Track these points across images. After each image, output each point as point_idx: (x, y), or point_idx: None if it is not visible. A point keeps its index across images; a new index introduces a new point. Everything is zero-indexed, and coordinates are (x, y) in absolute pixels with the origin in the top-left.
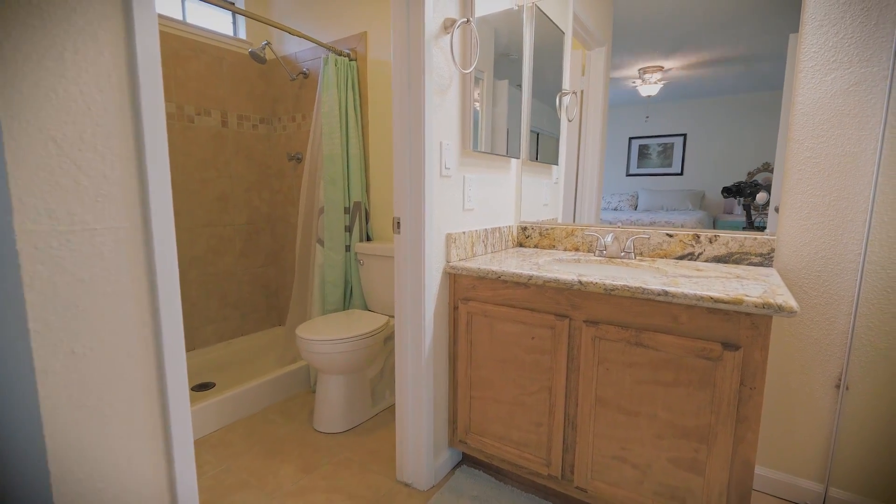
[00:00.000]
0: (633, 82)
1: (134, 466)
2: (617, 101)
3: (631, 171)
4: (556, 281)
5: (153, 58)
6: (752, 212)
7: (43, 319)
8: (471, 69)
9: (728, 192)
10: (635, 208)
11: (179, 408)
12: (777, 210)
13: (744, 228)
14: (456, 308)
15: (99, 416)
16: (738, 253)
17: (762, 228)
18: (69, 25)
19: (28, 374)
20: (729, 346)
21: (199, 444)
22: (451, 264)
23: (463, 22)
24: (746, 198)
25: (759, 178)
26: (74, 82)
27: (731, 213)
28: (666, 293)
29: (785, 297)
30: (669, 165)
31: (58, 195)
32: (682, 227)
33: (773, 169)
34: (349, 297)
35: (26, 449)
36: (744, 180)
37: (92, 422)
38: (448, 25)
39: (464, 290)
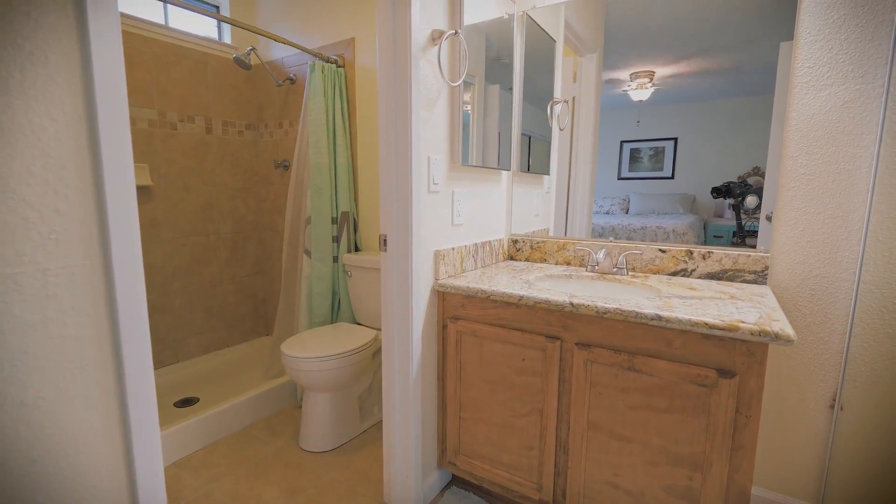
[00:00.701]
0: (625, 87)
1: None
2: (608, 106)
3: (622, 175)
4: (548, 302)
5: (115, 80)
6: (742, 215)
7: None
8: (459, 82)
9: (718, 192)
10: (627, 212)
11: (149, 459)
12: (769, 218)
13: (734, 233)
14: (445, 327)
15: (55, 473)
16: (732, 270)
17: (753, 233)
18: (15, 50)
19: None
20: (724, 373)
21: (180, 465)
22: (439, 282)
23: (451, 34)
24: (736, 198)
25: (749, 181)
26: (22, 112)
27: (721, 216)
28: (660, 318)
29: (782, 325)
30: (661, 169)
31: (3, 234)
32: (674, 231)
33: (763, 173)
34: (337, 310)
35: None
36: (734, 181)
37: (46, 479)
38: (436, 37)
39: (453, 308)
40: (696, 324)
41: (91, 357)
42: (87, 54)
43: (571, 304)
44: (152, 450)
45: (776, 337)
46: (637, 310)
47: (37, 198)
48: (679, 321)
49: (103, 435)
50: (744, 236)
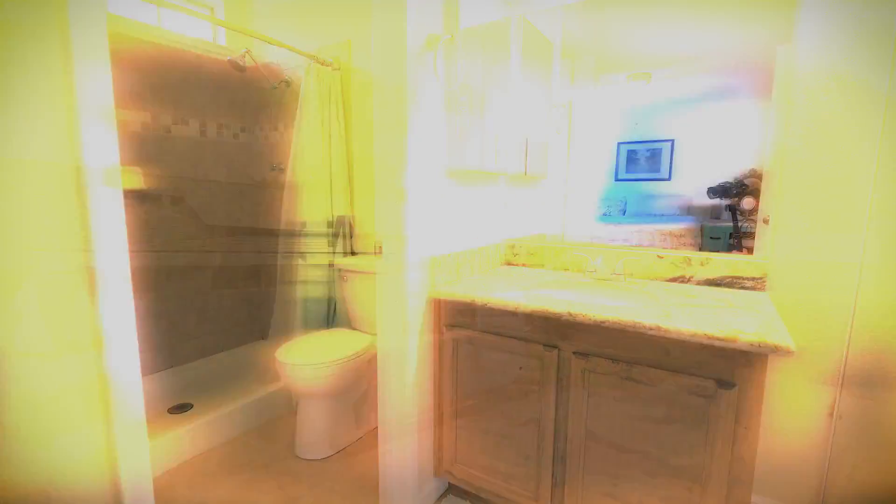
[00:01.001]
0: (622, 89)
1: None
2: (606, 108)
3: (620, 177)
4: (545, 310)
5: (101, 91)
6: (739, 216)
7: None
8: (456, 86)
9: (714, 192)
10: (624, 213)
11: (137, 479)
12: (766, 222)
13: (731, 235)
14: (441, 334)
15: (39, 497)
16: (731, 277)
17: (750, 234)
18: None
19: None
20: (724, 383)
21: (173, 473)
22: (436, 289)
23: (447, 38)
24: (732, 198)
25: (746, 182)
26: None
27: (718, 217)
28: (659, 328)
29: (781, 335)
30: (657, 171)
31: None
32: (671, 233)
33: (760, 175)
34: (332, 314)
35: None
36: (730, 181)
37: None
38: (432, 42)
39: (449, 315)
40: (695, 334)
41: (76, 375)
42: (70, 66)
43: (569, 312)
44: (141, 469)
45: (776, 348)
46: (636, 319)
47: (19, 210)
48: (678, 331)
49: (90, 455)
50: (740, 238)
